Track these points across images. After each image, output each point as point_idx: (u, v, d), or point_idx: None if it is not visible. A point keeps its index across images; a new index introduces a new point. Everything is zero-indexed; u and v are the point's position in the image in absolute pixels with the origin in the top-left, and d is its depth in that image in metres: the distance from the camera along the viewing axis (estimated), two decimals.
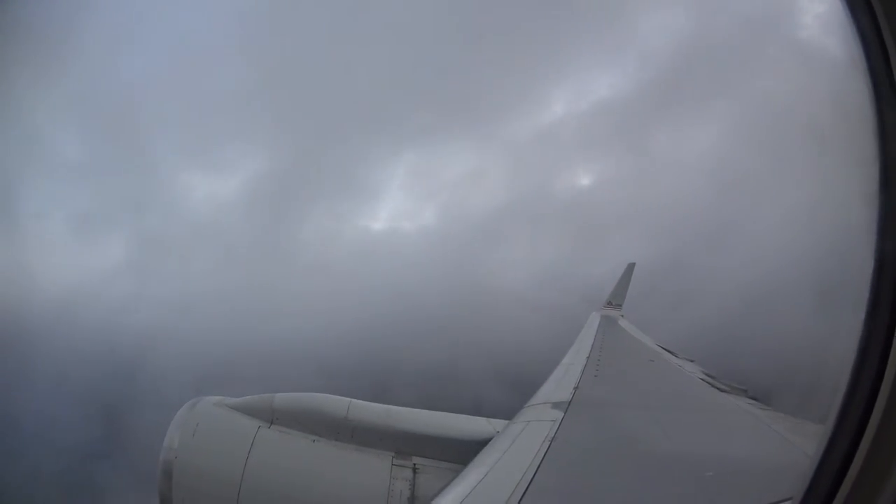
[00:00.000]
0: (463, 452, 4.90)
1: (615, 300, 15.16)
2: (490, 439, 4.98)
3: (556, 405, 5.58)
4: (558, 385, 6.53)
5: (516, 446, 4.53)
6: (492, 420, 5.67)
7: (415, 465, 5.11)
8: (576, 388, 6.25)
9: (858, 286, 1.67)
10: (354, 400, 5.56)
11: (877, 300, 1.64)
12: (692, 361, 9.40)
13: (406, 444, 5.25)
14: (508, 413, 5.79)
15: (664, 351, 10.09)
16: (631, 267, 16.33)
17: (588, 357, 8.21)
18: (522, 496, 3.45)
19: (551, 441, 4.48)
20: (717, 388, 7.17)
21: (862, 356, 1.66)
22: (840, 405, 1.68)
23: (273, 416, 5.30)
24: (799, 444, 4.49)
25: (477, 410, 6.06)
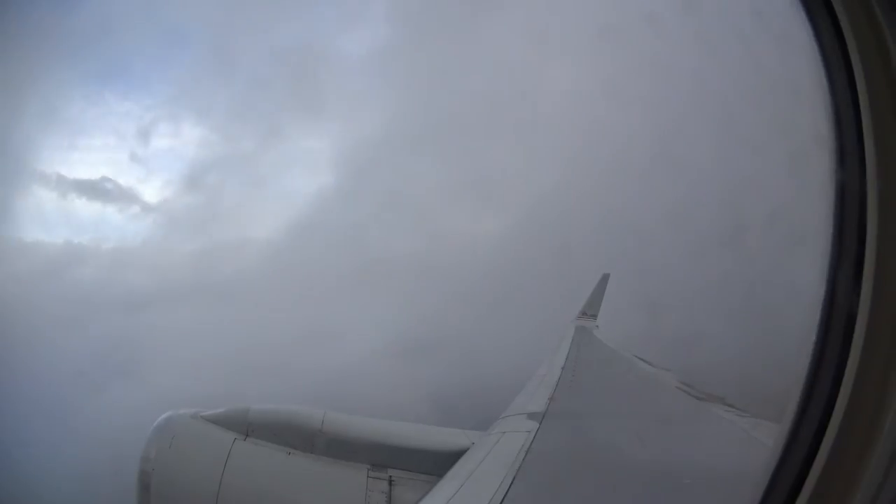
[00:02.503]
0: (439, 464, 4.89)
1: (590, 310, 15.22)
2: (466, 450, 4.99)
3: (531, 416, 5.60)
4: (533, 396, 6.55)
5: (492, 457, 4.54)
6: (467, 431, 5.68)
7: (391, 477, 5.09)
8: (551, 399, 6.28)
9: (814, 285, 1.69)
10: (329, 412, 5.53)
11: (832, 299, 1.67)
12: (668, 371, 9.48)
13: (382, 456, 5.22)
14: (483, 424, 5.80)
15: (640, 361, 10.17)
16: (605, 277, 16.44)
17: (563, 367, 8.24)
18: None
19: (527, 451, 4.50)
20: (694, 396, 7.24)
21: (819, 355, 1.68)
22: (797, 407, 1.70)
23: (248, 429, 5.25)
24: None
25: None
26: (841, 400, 1.62)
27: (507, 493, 3.66)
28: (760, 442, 4.96)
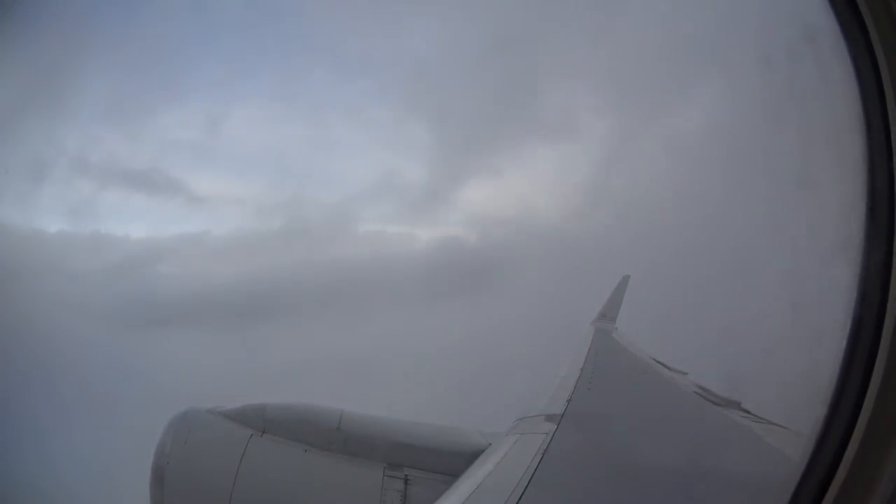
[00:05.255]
0: (455, 464, 4.88)
1: (609, 313, 15.08)
2: (482, 451, 4.97)
3: (548, 418, 5.57)
4: (551, 398, 6.52)
5: (509, 458, 4.52)
6: (484, 432, 5.66)
7: (406, 476, 5.09)
8: (569, 401, 6.24)
9: (845, 293, 1.67)
10: (346, 410, 5.54)
11: (862, 307, 1.65)
12: (685, 374, 9.38)
13: (398, 455, 5.22)
14: (501, 425, 5.78)
15: (657, 364, 10.07)
16: (625, 279, 16.29)
17: (581, 370, 8.19)
18: None
19: (544, 453, 4.47)
20: (711, 401, 7.16)
21: (847, 364, 1.66)
22: (826, 414, 1.69)
23: (265, 426, 5.28)
24: (791, 456, 4.49)
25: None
26: (865, 410, 1.61)
27: (522, 494, 3.64)
28: (775, 449, 4.91)
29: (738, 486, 3.97)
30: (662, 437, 5.49)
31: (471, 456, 4.86)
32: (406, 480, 5.05)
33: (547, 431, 5.07)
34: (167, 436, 5.20)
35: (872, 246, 1.63)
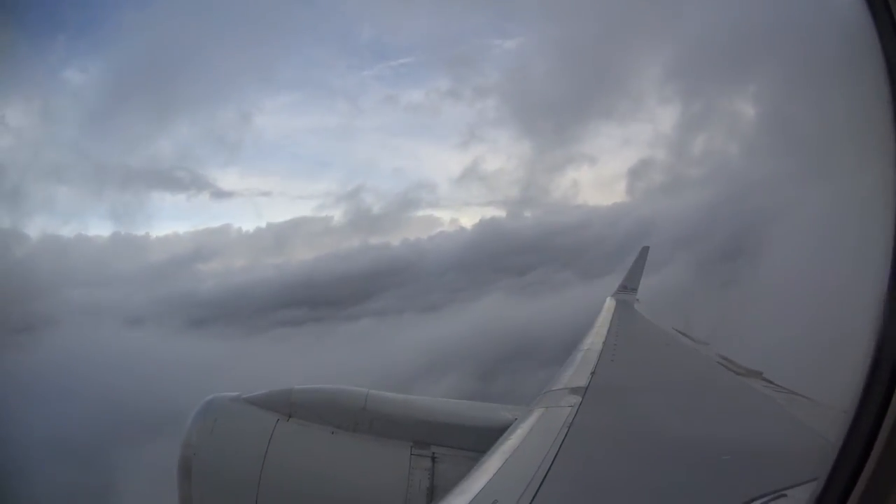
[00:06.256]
0: (481, 440, 4.89)
1: (630, 284, 15.04)
2: (508, 426, 4.99)
3: (573, 391, 5.58)
4: (575, 371, 6.53)
5: (534, 433, 4.54)
6: (509, 406, 5.67)
7: (433, 454, 5.11)
8: (593, 374, 6.25)
9: (878, 270, 1.65)
10: (372, 391, 5.57)
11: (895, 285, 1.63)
12: (707, 345, 9.35)
13: (424, 434, 5.24)
14: (525, 399, 5.80)
15: (679, 334, 10.04)
16: (645, 250, 16.21)
17: (604, 342, 8.19)
18: (542, 482, 3.47)
19: (569, 426, 4.48)
20: (734, 371, 7.13)
21: (882, 338, 1.64)
22: (863, 386, 1.67)
23: (291, 410, 5.31)
24: (815, 426, 4.48)
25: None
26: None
27: (549, 468, 3.66)
28: (798, 419, 4.93)
29: (762, 455, 3.95)
30: (686, 407, 5.49)
31: (497, 431, 4.87)
32: (433, 458, 5.08)
33: (572, 404, 5.08)
34: (193, 426, 5.19)
35: None
